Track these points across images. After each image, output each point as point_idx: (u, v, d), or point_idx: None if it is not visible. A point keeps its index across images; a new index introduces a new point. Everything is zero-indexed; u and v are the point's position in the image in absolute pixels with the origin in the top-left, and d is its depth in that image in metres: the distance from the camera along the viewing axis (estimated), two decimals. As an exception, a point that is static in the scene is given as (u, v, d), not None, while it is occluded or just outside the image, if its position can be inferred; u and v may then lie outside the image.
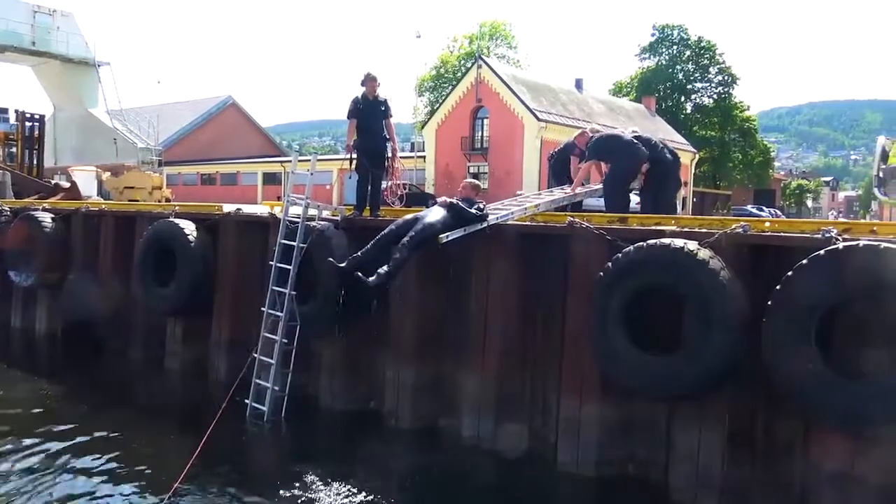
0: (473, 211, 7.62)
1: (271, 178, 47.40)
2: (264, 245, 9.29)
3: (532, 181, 33.58)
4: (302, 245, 8.23)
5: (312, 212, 8.68)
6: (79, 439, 7.57)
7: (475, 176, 38.95)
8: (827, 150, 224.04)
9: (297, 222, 8.37)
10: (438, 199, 7.99)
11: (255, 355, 8.38)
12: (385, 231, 7.64)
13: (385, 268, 7.30)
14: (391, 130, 9.28)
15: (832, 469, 5.60)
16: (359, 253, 7.62)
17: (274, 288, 8.29)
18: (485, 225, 7.60)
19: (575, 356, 6.86)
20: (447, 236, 7.36)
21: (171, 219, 10.15)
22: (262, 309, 8.37)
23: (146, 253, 10.11)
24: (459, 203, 7.68)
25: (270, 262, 8.37)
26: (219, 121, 53.46)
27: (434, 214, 7.60)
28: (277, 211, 9.42)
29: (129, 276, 10.92)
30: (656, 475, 6.50)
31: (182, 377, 10.13)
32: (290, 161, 8.99)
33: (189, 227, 9.85)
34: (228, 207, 10.38)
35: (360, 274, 7.31)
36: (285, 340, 8.23)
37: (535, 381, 7.35)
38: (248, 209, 10.48)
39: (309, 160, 9.11)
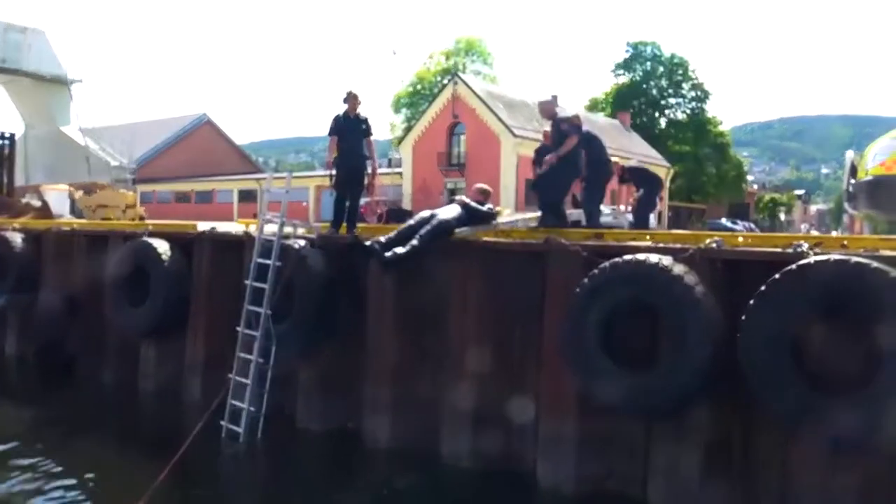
0: (485, 209, 8.27)
1: (247, 196, 47.15)
2: (239, 264, 9.20)
3: (509, 197, 33.78)
4: (277, 263, 8.18)
5: (288, 230, 8.64)
6: (49, 464, 7.42)
7: (452, 192, 39.06)
8: (798, 165, 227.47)
9: (273, 240, 8.32)
10: (455, 198, 8.56)
11: (231, 376, 8.28)
12: (404, 225, 8.00)
13: (401, 248, 7.59)
14: (371, 149, 9.33)
15: (811, 483, 5.64)
16: (382, 239, 7.83)
17: (249, 307, 8.22)
18: (494, 224, 8.20)
19: (553, 372, 6.85)
20: (460, 231, 7.91)
21: (144, 238, 10.05)
22: (238, 329, 8.29)
23: (119, 273, 9.99)
24: (472, 203, 8.24)
25: (246, 282, 8.30)
26: (194, 139, 53.20)
27: (449, 211, 8.09)
28: (253, 229, 9.36)
29: (101, 296, 10.76)
30: (635, 491, 6.50)
31: (156, 399, 9.97)
32: (265, 178, 8.96)
33: (163, 247, 9.75)
34: (203, 226, 10.30)
35: (377, 246, 7.65)
36: (261, 360, 8.15)
37: (513, 398, 7.31)
38: (223, 227, 10.40)
39: (284, 177, 9.09)
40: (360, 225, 9.43)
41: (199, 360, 9.58)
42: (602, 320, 6.20)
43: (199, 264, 9.76)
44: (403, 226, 8.01)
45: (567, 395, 6.74)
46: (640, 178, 12.12)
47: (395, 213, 23.10)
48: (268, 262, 8.20)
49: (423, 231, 7.76)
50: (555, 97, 10.78)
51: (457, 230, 7.94)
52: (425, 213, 8.11)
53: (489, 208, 8.38)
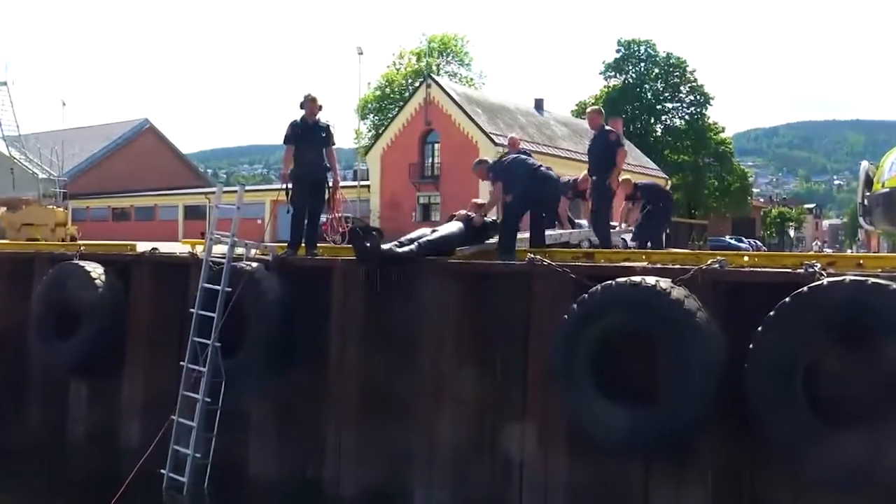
0: (490, 221, 8.59)
1: (194, 212, 46.85)
2: (184, 290, 9.15)
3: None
4: (227, 289, 8.12)
5: (240, 251, 8.60)
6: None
7: (425, 207, 39.15)
8: (808, 175, 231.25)
9: (223, 263, 8.26)
10: (456, 214, 8.83)
11: (174, 418, 8.18)
12: (407, 237, 8.26)
13: (393, 248, 7.79)
14: (333, 159, 9.34)
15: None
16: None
17: (195, 339, 8.15)
18: (496, 240, 8.45)
19: (539, 407, 6.88)
20: (462, 249, 8.17)
21: (75, 260, 9.94)
22: (182, 364, 8.20)
23: (46, 301, 9.85)
24: (475, 217, 8.56)
25: (191, 310, 8.22)
26: (133, 147, 52.90)
27: (450, 227, 8.45)
28: (200, 250, 9.31)
29: (25, 327, 10.59)
30: (633, 539, 6.50)
31: (88, 445, 9.83)
32: (214, 192, 8.94)
33: (97, 270, 9.65)
34: (143, 246, 10.23)
35: (374, 240, 7.81)
36: (208, 400, 8.07)
37: (495, 436, 7.33)
38: (165, 248, 10.33)
39: (236, 191, 9.05)
40: (321, 245, 9.41)
41: (137, 400, 9.46)
42: (594, 350, 6.21)
43: (138, 290, 9.67)
44: (405, 237, 8.27)
45: (557, 431, 6.76)
46: (651, 195, 12.38)
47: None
48: (217, 287, 8.14)
49: (423, 240, 8.01)
50: (511, 139, 11.63)
51: (458, 249, 8.20)
52: (425, 230, 8.44)
53: (493, 220, 8.76)
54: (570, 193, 11.34)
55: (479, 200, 9.12)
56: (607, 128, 10.00)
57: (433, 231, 8.42)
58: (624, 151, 9.75)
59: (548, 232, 9.62)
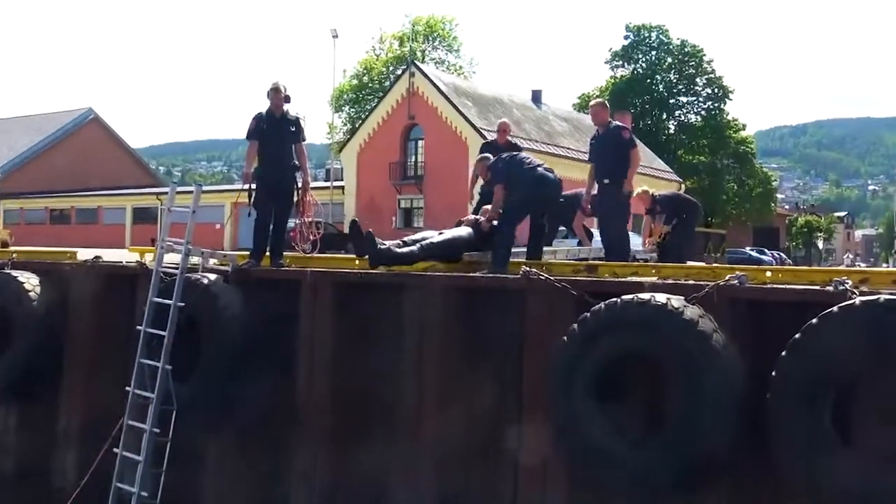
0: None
1: (143, 216, 46.75)
2: (131, 304, 9.11)
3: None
4: (180, 304, 8.09)
5: (195, 260, 8.58)
6: None
7: (407, 212, 39.19)
8: (839, 179, 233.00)
9: (175, 274, 8.23)
10: (464, 219, 9.27)
11: (117, 451, 8.13)
12: (411, 238, 8.63)
13: (393, 248, 8.15)
14: (302, 156, 9.36)
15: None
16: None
17: (143, 361, 8.10)
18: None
19: (534, 441, 6.86)
20: (471, 255, 8.56)
21: (6, 270, 9.87)
22: (127, 389, 8.16)
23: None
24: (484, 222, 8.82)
25: (139, 328, 8.19)
26: (75, 140, 52.73)
27: (458, 230, 8.86)
28: (149, 259, 9.28)
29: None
30: None
31: (17, 481, 9.75)
32: (167, 193, 8.93)
33: (31, 282, 9.60)
34: (85, 254, 10.21)
35: (370, 233, 8.12)
36: (157, 430, 8.02)
37: (485, 471, 7.32)
38: (110, 256, 10.33)
39: (192, 192, 9.04)
40: (288, 254, 9.40)
41: (74, 430, 9.41)
42: (596, 377, 6.21)
43: (78, 305, 9.62)
44: (409, 237, 8.64)
45: (553, 465, 6.76)
46: (674, 207, 12.53)
47: (334, 240, 23.01)
48: (168, 302, 8.10)
49: (426, 242, 8.36)
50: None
51: (466, 253, 8.60)
52: (429, 232, 8.85)
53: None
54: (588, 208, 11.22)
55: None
56: (617, 123, 10.04)
57: (440, 234, 8.70)
58: (638, 153, 9.78)
59: (561, 247, 9.72)
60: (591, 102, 10.34)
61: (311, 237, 9.86)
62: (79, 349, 9.51)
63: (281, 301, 8.37)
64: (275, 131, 9.12)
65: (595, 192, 9.92)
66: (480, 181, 10.09)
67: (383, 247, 8.22)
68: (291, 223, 9.70)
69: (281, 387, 8.24)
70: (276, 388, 8.27)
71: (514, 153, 9.65)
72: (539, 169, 8.92)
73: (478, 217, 9.12)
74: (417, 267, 8.38)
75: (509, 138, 11.42)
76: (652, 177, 41.26)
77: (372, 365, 7.89)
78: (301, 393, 8.15)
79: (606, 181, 9.67)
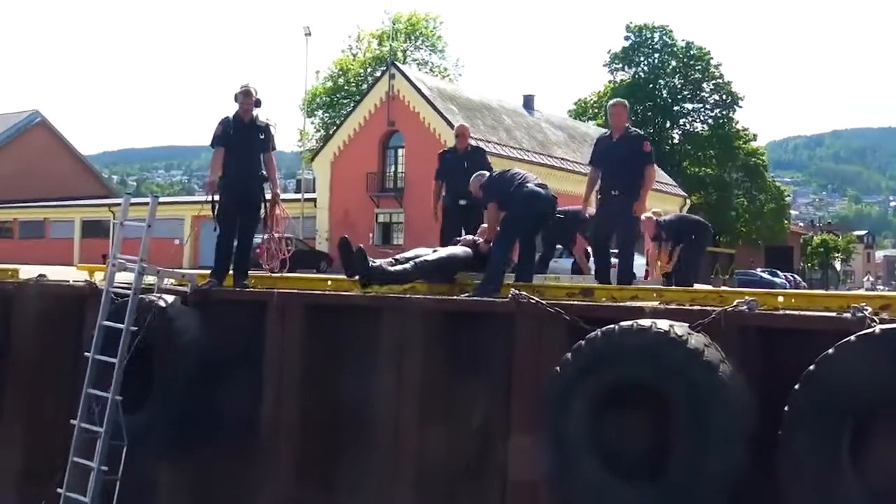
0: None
1: (94, 229, 46.60)
2: (79, 328, 9.10)
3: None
4: (133, 328, 8.04)
5: (150, 279, 8.56)
6: None
7: (386, 227, 39.20)
8: (859, 195, 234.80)
9: (128, 295, 8.19)
10: (460, 239, 9.49)
11: (61, 491, 8.06)
12: (403, 256, 8.77)
13: (385, 266, 8.25)
14: (271, 167, 9.39)
15: None
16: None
17: (90, 391, 8.05)
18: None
19: (524, 475, 6.85)
20: (467, 275, 8.69)
21: (-60, 289, 9.82)
22: (73, 422, 8.10)
23: None
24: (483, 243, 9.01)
25: (87, 354, 8.14)
26: (19, 146, 52.55)
27: (453, 249, 9.11)
28: (100, 278, 9.25)
29: None
30: None
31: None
32: (120, 204, 8.90)
33: (-33, 302, 9.54)
34: (28, 272, 10.16)
35: (361, 250, 8.23)
36: (105, 468, 7.96)
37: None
38: (56, 274, 10.28)
39: (148, 203, 9.00)
40: (253, 274, 9.38)
41: (14, 467, 9.35)
42: (591, 412, 6.20)
43: (20, 328, 9.59)
44: (399, 255, 8.76)
45: (543, 508, 6.71)
46: (681, 231, 12.62)
47: (305, 257, 22.97)
48: (120, 326, 8.06)
49: (421, 259, 8.54)
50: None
51: (461, 272, 8.78)
52: (423, 249, 8.99)
53: None
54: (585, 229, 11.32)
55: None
56: (637, 132, 10.00)
57: (434, 251, 8.89)
58: (654, 171, 9.77)
59: (550, 266, 9.78)
60: (611, 102, 10.09)
61: (281, 255, 9.83)
62: (20, 377, 9.46)
63: (245, 325, 8.37)
64: (242, 138, 9.12)
65: (592, 202, 9.95)
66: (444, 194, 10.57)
67: (374, 264, 8.26)
68: (258, 239, 9.68)
69: (245, 419, 8.22)
70: (240, 421, 8.25)
71: (507, 169, 9.69)
72: (530, 184, 8.96)
73: (475, 238, 9.25)
74: (394, 289, 8.38)
75: (471, 142, 11.54)
76: (654, 191, 41.45)
77: (345, 396, 7.88)
78: (267, 426, 8.13)
79: (616, 192, 9.58)
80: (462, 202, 10.55)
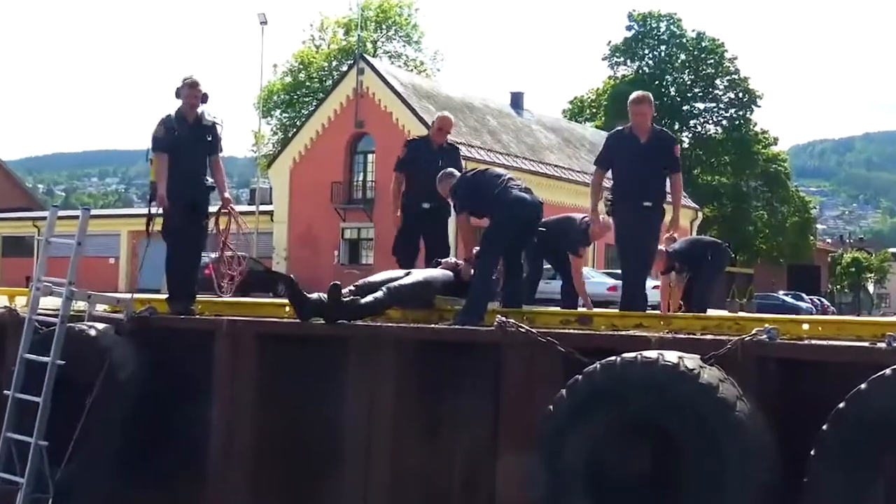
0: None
1: (15, 247, 46.43)
2: (-2, 361, 9.00)
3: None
4: (60, 362, 8.00)
5: (80, 305, 8.54)
6: None
7: (353, 244, 39.15)
8: (894, 206, 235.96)
9: (54, 324, 8.15)
10: (443, 261, 9.38)
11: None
12: (363, 281, 8.56)
13: (356, 299, 8.02)
14: (219, 171, 9.31)
15: None
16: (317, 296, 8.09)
17: (10, 436, 8.01)
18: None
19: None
20: (447, 299, 8.61)
21: None
22: (-10, 471, 8.04)
23: None
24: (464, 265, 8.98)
25: (6, 392, 8.11)
26: (-72, 151, 52.18)
27: (432, 271, 9.08)
28: (21, 304, 9.23)
29: None
30: None
31: None
32: (45, 218, 8.87)
33: None
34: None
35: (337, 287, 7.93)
36: (26, 527, 7.91)
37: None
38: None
39: (78, 217, 8.97)
40: (201, 298, 9.34)
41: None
42: (589, 457, 6.20)
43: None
44: (362, 281, 8.53)
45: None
46: (695, 257, 12.67)
47: (260, 279, 22.91)
48: (45, 359, 8.01)
49: (395, 284, 8.35)
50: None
51: (439, 296, 8.70)
52: (393, 272, 8.84)
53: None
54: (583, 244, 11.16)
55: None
56: (665, 131, 9.75)
57: (407, 274, 8.73)
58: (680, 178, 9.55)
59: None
60: (634, 96, 9.52)
61: (233, 274, 9.76)
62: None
63: (190, 358, 8.33)
64: (188, 140, 9.10)
65: (601, 212, 9.79)
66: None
67: (346, 300, 8.04)
68: (206, 258, 9.64)
69: (189, 464, 8.20)
70: (184, 467, 8.23)
71: (484, 168, 9.57)
72: (514, 189, 8.72)
73: (457, 261, 9.19)
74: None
75: (450, 140, 10.99)
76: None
77: (306, 441, 7.88)
78: (214, 471, 8.12)
79: (648, 204, 9.26)
80: (426, 205, 10.20)
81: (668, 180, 9.58)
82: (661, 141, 9.47)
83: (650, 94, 9.80)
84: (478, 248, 8.79)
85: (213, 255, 9.80)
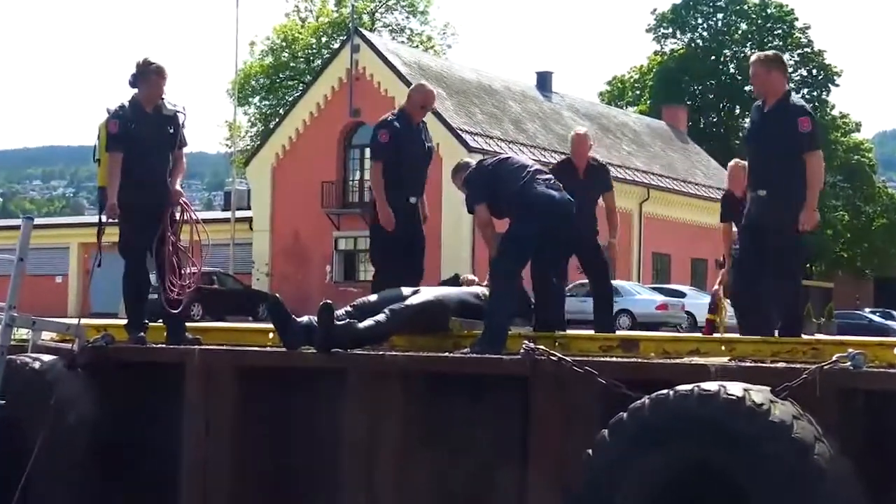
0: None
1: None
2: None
3: (455, 258, 33.54)
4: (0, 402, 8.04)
5: (22, 333, 8.62)
6: None
7: (349, 256, 39.17)
8: None
9: (-9, 356, 8.20)
10: (464, 276, 9.66)
11: None
12: (362, 300, 8.68)
13: (353, 324, 8.03)
14: (180, 167, 9.33)
15: None
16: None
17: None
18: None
19: None
20: (464, 322, 8.62)
21: None
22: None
23: None
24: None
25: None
26: None
27: (446, 289, 9.20)
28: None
29: None
30: None
31: None
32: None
33: None
34: None
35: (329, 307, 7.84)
36: None
37: None
38: None
39: (18, 228, 9.04)
40: (152, 325, 9.36)
41: None
42: (639, 506, 6.22)
43: None
44: (360, 301, 8.65)
45: None
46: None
47: (237, 300, 22.91)
48: (-20, 397, 8.05)
49: (400, 305, 8.36)
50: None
51: (454, 318, 8.66)
52: (401, 290, 8.79)
53: None
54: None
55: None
56: (796, 100, 9.04)
57: (415, 292, 8.71)
58: (820, 159, 8.68)
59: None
60: (755, 57, 9.04)
61: (192, 288, 9.59)
62: None
63: (155, 396, 8.35)
64: (147, 133, 9.12)
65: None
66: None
67: (340, 324, 8.02)
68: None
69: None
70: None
71: (505, 157, 9.41)
72: (541, 184, 8.58)
73: (473, 278, 9.47)
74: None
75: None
76: (715, 200, 41.53)
77: (292, 485, 7.95)
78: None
79: (763, 193, 8.66)
80: (413, 200, 10.19)
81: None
82: (787, 109, 8.67)
83: (773, 55, 9.47)
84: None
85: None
